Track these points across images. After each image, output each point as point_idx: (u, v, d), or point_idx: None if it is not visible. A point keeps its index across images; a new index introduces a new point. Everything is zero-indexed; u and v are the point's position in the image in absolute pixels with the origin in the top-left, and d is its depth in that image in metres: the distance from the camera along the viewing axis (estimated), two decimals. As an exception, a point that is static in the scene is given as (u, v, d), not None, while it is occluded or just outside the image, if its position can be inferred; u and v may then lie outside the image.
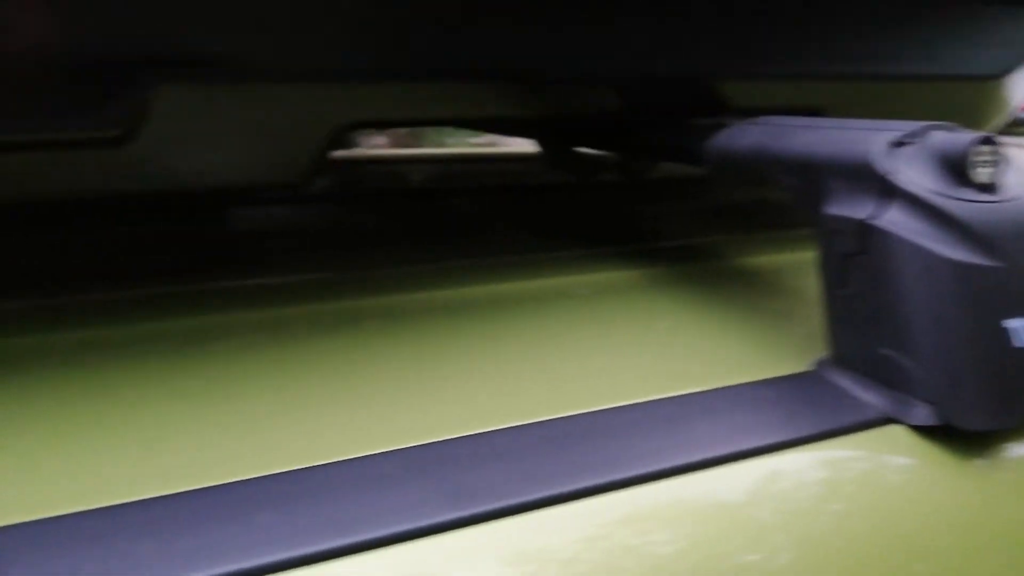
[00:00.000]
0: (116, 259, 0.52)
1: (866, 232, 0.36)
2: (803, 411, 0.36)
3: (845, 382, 0.38)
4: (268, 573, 0.26)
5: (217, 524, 0.28)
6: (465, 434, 0.33)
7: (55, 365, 0.38)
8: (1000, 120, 0.73)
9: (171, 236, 0.57)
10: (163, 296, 0.45)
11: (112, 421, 0.34)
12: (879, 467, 0.34)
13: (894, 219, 0.35)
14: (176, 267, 0.50)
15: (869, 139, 0.37)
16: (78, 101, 0.37)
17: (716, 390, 0.37)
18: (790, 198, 0.42)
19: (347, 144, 1.07)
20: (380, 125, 0.76)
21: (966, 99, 0.69)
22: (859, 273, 0.36)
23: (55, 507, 0.28)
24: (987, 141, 0.35)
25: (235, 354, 0.40)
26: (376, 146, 1.36)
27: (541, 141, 0.80)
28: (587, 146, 0.70)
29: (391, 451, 0.32)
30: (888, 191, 0.36)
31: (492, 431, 0.33)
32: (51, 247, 0.53)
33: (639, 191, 0.80)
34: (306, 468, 0.31)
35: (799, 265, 0.53)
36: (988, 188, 0.35)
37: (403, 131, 1.44)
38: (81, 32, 0.36)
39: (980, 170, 0.35)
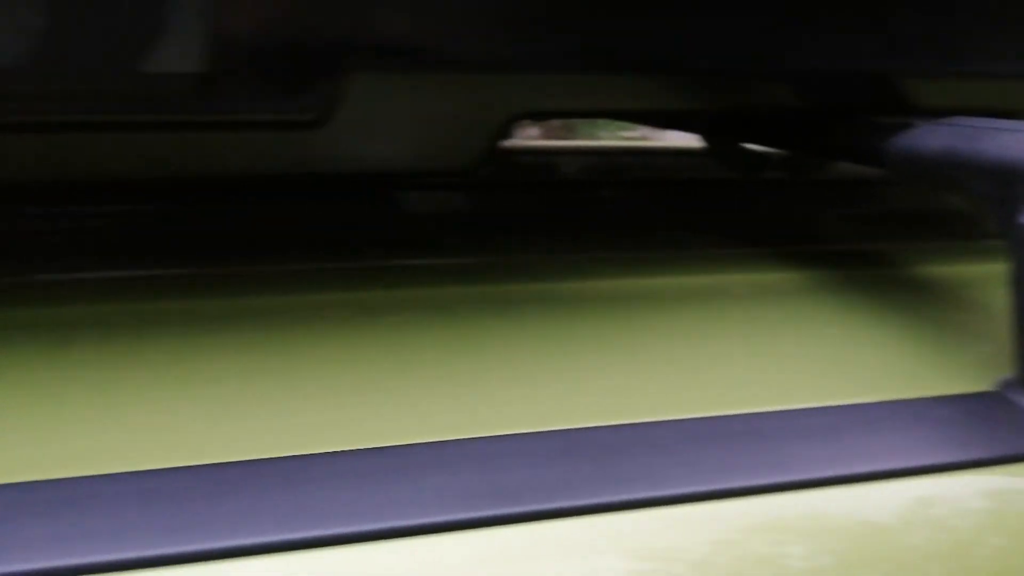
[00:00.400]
0: (292, 234, 0.56)
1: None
2: (977, 433, 0.34)
3: (1032, 405, 0.35)
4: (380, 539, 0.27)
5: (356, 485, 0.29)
6: (612, 423, 0.33)
7: (226, 329, 0.40)
8: None
9: (344, 215, 0.61)
10: (330, 271, 0.48)
11: (266, 384, 0.36)
12: None
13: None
14: (344, 244, 0.53)
15: (1080, 144, 0.34)
16: (282, 85, 0.40)
17: (880, 403, 0.36)
18: (980, 205, 0.39)
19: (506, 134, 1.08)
20: (552, 115, 0.78)
21: None
22: (1059, 289, 0.34)
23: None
24: None
25: (387, 328, 0.41)
26: (529, 137, 1.37)
27: (706, 135, 0.79)
28: (755, 142, 0.68)
29: (542, 432, 0.32)
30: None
31: (639, 423, 0.33)
32: (235, 221, 0.58)
33: (808, 190, 0.77)
34: (453, 440, 0.32)
35: (983, 278, 0.49)
36: None
37: (556, 122, 1.44)
38: (289, 20, 0.40)
39: None
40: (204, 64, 0.38)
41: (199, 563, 0.26)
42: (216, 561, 0.26)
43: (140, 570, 0.26)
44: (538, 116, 0.61)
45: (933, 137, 0.43)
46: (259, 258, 0.49)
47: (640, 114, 0.66)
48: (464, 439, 0.32)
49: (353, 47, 0.41)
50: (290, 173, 0.47)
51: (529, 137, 1.37)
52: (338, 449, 0.31)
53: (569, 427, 0.33)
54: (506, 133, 0.49)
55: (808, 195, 0.76)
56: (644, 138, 1.43)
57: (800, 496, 0.30)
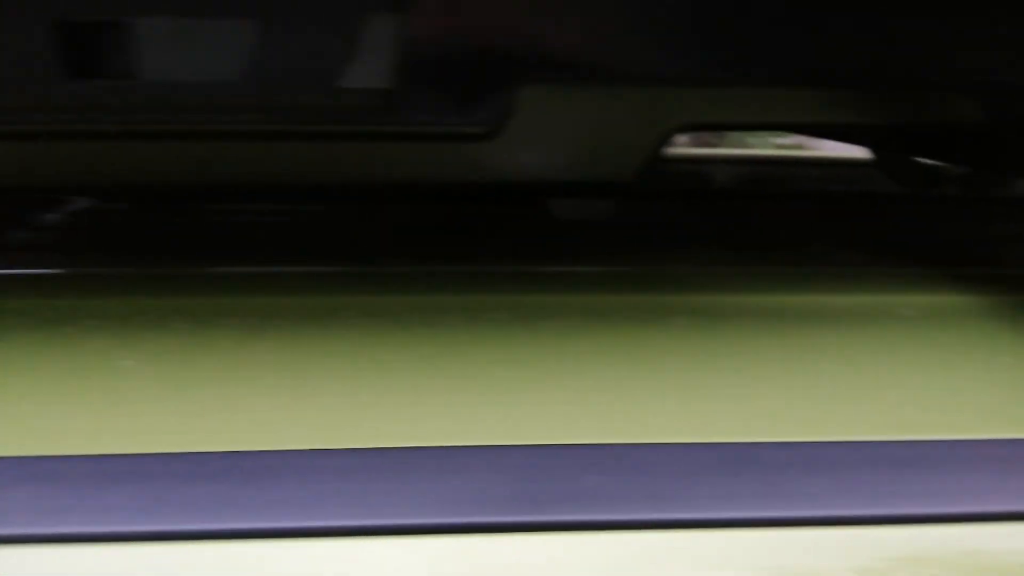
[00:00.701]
0: (456, 238, 0.59)
1: None
2: None
3: None
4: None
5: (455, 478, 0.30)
6: (768, 440, 0.33)
7: (391, 324, 0.43)
8: None
9: (507, 222, 0.63)
10: (488, 274, 0.49)
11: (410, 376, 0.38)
12: None
13: None
14: (504, 250, 0.55)
15: None
16: (458, 99, 0.43)
17: None
18: None
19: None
20: (718, 128, 0.77)
21: None
22: None
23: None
24: None
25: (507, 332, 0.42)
26: (679, 144, 1.35)
27: (875, 147, 0.76)
28: (930, 156, 0.65)
29: (698, 443, 0.33)
30: None
31: (792, 442, 0.33)
32: (403, 225, 0.61)
33: (986, 208, 0.72)
34: (619, 444, 0.33)
35: None
36: None
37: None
38: (466, 39, 0.42)
39: None
40: (389, 80, 0.40)
41: (203, 541, 0.28)
42: (225, 541, 0.28)
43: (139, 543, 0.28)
44: (704, 128, 0.60)
45: None
46: (423, 260, 0.51)
47: (806, 127, 0.64)
48: (621, 444, 0.33)
49: (526, 62, 0.43)
50: (462, 182, 0.49)
51: (679, 144, 1.35)
52: (493, 444, 0.33)
53: (726, 440, 0.33)
54: (667, 144, 0.50)
55: (986, 213, 0.71)
56: (798, 146, 1.38)
57: (957, 529, 0.29)
